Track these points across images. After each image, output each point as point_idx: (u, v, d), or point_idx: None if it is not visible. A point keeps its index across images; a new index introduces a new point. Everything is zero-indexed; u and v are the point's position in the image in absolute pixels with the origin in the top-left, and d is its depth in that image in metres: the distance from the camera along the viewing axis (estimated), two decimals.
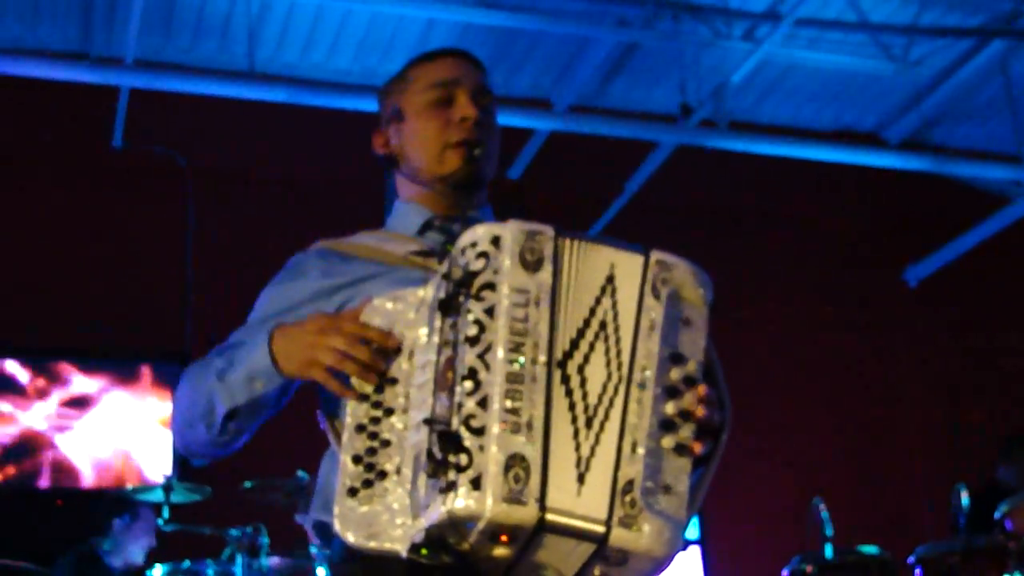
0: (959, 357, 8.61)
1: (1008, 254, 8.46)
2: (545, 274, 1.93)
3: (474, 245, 1.95)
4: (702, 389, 1.98)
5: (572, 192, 7.82)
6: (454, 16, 6.57)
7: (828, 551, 5.78)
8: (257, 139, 7.30)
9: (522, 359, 1.88)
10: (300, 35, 7.10)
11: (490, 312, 1.90)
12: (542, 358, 1.89)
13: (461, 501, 1.80)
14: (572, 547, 1.87)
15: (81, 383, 6.86)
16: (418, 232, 2.27)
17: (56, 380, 6.83)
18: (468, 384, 1.87)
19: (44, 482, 6.68)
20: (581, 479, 1.86)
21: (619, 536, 1.84)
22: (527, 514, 1.81)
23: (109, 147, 7.21)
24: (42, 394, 6.79)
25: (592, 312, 1.96)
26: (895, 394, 8.49)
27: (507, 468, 1.82)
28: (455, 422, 1.86)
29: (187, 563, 5.52)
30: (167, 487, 5.59)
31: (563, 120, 7.28)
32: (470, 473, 1.81)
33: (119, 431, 6.87)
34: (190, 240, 7.17)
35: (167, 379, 6.99)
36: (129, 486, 6.46)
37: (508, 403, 1.86)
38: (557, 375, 1.90)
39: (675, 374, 1.96)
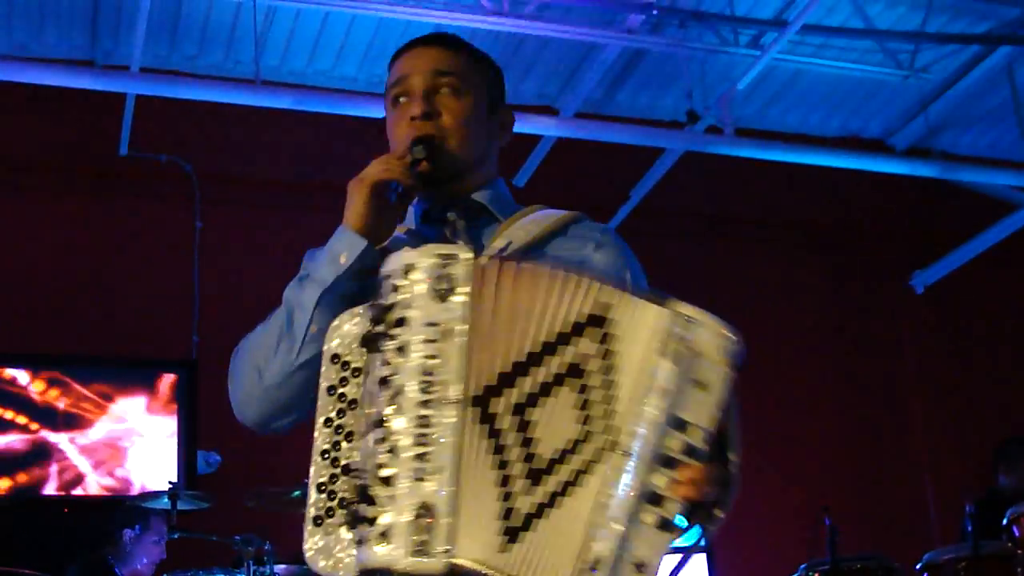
0: (965, 362, 8.60)
1: (1014, 260, 8.46)
2: (458, 303, 1.80)
3: (388, 277, 1.85)
4: (697, 464, 1.80)
5: (578, 199, 7.77)
6: (460, 23, 6.57)
7: (835, 559, 5.77)
8: (263, 146, 7.31)
9: (432, 401, 1.76)
10: (306, 43, 7.10)
11: (401, 351, 1.79)
12: (453, 396, 1.77)
13: (372, 554, 1.74)
14: None
15: (88, 391, 6.86)
16: (419, 222, 2.22)
17: (64, 388, 6.83)
18: (379, 431, 1.78)
19: (52, 490, 6.68)
20: (512, 535, 1.74)
21: None
22: (433, 565, 1.72)
23: (115, 155, 7.22)
24: (49, 402, 6.79)
25: (549, 350, 1.80)
26: (901, 400, 8.47)
27: (415, 518, 1.73)
28: (369, 471, 1.78)
29: (194, 572, 5.52)
30: (173, 495, 5.59)
31: (569, 127, 7.27)
32: (380, 525, 1.74)
33: (126, 439, 6.87)
34: (197, 247, 7.18)
35: (175, 386, 7.00)
36: (135, 494, 6.46)
37: (417, 449, 1.75)
38: (472, 413, 1.77)
39: (673, 442, 1.79)
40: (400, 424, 1.76)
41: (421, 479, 1.74)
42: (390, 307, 1.82)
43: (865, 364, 8.47)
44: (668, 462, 1.77)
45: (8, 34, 6.91)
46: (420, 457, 1.75)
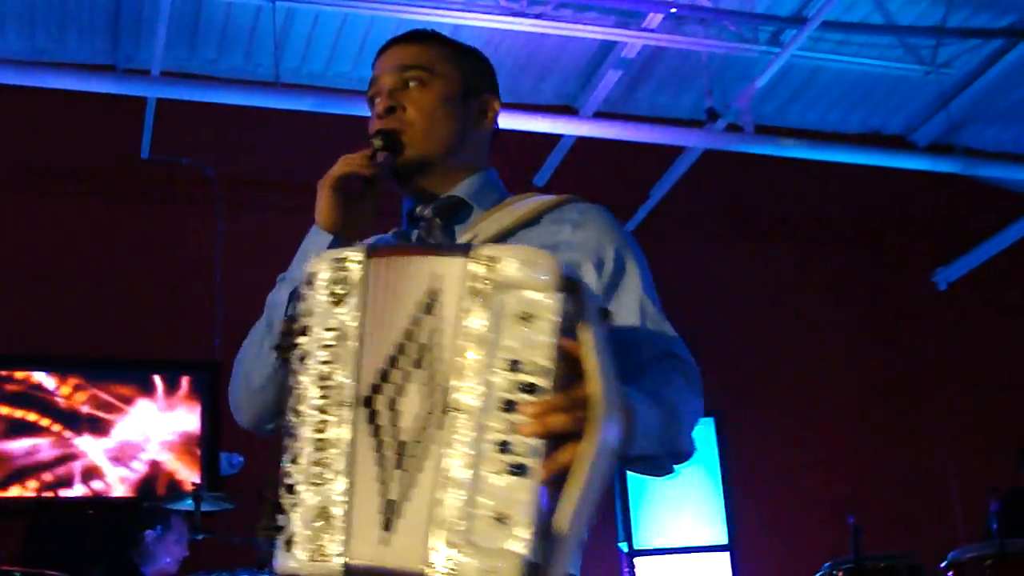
0: (989, 359, 8.56)
1: None
2: (352, 305, 1.80)
3: (297, 288, 1.87)
4: (534, 398, 1.68)
5: (598, 198, 7.79)
6: (479, 23, 6.58)
7: (859, 558, 5.76)
8: (284, 148, 7.32)
9: (330, 404, 1.77)
10: (325, 45, 7.12)
11: (303, 359, 1.80)
12: (348, 399, 1.76)
13: (280, 563, 1.76)
14: None
15: (112, 394, 6.89)
16: (407, 223, 2.23)
17: (87, 391, 6.86)
18: (287, 441, 1.80)
19: (77, 493, 6.71)
20: (388, 526, 1.71)
21: None
22: (332, 569, 1.72)
23: (137, 158, 7.24)
24: (74, 405, 6.82)
25: (409, 336, 1.76)
26: (925, 397, 8.44)
27: (313, 525, 1.74)
28: (281, 481, 1.80)
29: (218, 573, 5.54)
30: (196, 496, 5.61)
31: (589, 126, 7.27)
32: (286, 534, 1.76)
33: (150, 441, 6.90)
34: (219, 250, 7.19)
35: (197, 388, 7.02)
36: (160, 496, 6.49)
37: (316, 455, 1.76)
38: (363, 414, 1.76)
39: (507, 384, 1.69)
40: (303, 432, 1.78)
41: (319, 484, 1.75)
42: (295, 318, 1.83)
43: (888, 361, 8.45)
44: (505, 406, 1.68)
45: (31, 40, 6.94)
46: (318, 463, 1.76)
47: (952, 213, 8.57)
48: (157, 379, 7.01)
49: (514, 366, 1.69)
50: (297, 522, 1.75)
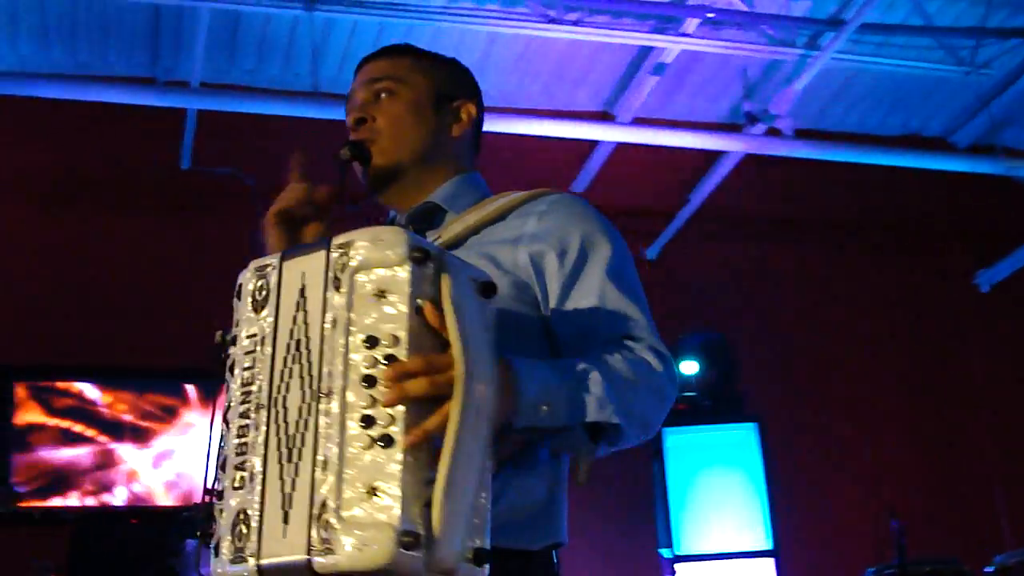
0: None
1: None
2: (269, 310, 1.86)
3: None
4: (390, 370, 1.70)
5: (637, 204, 7.80)
6: (514, 31, 6.59)
7: (903, 562, 5.72)
8: (322, 158, 7.34)
9: (250, 408, 1.82)
10: (363, 54, 7.12)
11: (231, 368, 1.88)
12: (262, 401, 1.81)
13: (212, 568, 1.80)
14: None
15: (154, 403, 6.93)
16: None
17: (130, 401, 6.91)
18: (216, 450, 1.87)
19: (120, 502, 6.75)
20: (286, 518, 1.73)
21: (321, 565, 1.67)
22: (248, 570, 1.74)
23: (177, 169, 7.29)
24: (117, 415, 6.87)
25: (291, 334, 1.82)
26: (968, 400, 8.38)
27: (233, 527, 1.77)
28: (214, 489, 1.86)
29: None
30: None
31: (626, 132, 7.26)
32: (214, 539, 1.81)
33: (191, 450, 6.94)
34: None
35: None
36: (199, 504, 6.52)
37: (238, 459, 1.81)
38: (272, 415, 1.79)
39: (365, 360, 1.72)
40: (229, 439, 1.84)
41: (240, 487, 1.79)
42: (228, 330, 1.91)
43: (931, 364, 8.39)
44: (367, 382, 1.71)
45: (73, 54, 7.00)
46: (239, 467, 1.80)
47: (994, 214, 8.51)
48: (199, 388, 7.04)
49: (371, 342, 1.72)
50: (223, 527, 1.79)
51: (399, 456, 1.67)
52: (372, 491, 1.66)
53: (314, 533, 1.68)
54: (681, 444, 7.23)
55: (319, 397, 1.74)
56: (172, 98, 6.69)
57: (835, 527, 7.65)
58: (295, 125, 6.77)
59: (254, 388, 1.83)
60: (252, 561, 1.74)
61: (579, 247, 2.14)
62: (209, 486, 1.90)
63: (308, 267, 1.83)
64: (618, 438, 1.99)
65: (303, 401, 1.76)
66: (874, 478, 7.87)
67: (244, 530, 1.76)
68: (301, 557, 1.68)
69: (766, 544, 7.12)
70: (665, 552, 7.14)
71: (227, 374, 1.89)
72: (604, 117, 7.60)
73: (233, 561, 1.76)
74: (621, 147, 7.38)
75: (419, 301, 1.74)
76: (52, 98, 6.53)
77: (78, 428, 6.78)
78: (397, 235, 1.76)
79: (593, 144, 7.50)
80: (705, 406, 7.31)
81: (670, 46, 6.77)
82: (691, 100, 7.82)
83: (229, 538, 1.78)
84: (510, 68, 7.32)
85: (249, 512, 1.76)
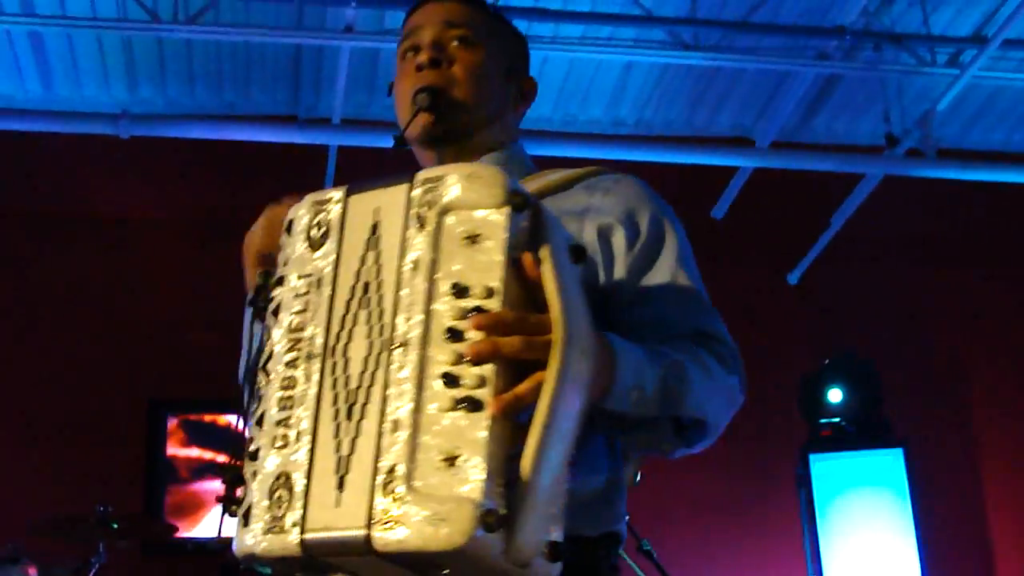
0: None
1: None
2: (329, 248, 1.63)
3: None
4: (477, 320, 1.48)
5: (778, 228, 7.75)
6: (652, 59, 6.60)
7: None
8: None
9: (298, 358, 1.58)
10: None
11: (276, 312, 1.64)
12: (316, 350, 1.57)
13: (237, 542, 1.57)
14: (377, 566, 1.48)
15: None
16: None
17: None
18: (255, 402, 1.62)
19: None
20: (341, 484, 1.49)
21: (383, 541, 1.42)
22: (288, 542, 1.50)
23: None
24: None
25: (357, 276, 1.59)
26: None
27: (271, 493, 1.53)
28: (245, 449, 1.61)
29: None
30: None
31: (766, 157, 7.22)
32: (244, 506, 1.57)
33: None
34: None
35: None
36: None
37: (280, 415, 1.57)
38: (329, 365, 1.56)
39: (451, 311, 1.50)
40: (270, 391, 1.60)
41: (282, 447, 1.55)
42: (270, 272, 1.69)
43: None
44: (452, 335, 1.49)
45: (219, 94, 7.19)
46: (282, 423, 1.56)
47: None
48: None
49: (459, 291, 1.51)
50: (255, 492, 1.56)
51: (486, 423, 1.44)
52: (451, 459, 1.43)
53: (377, 503, 1.44)
54: (827, 470, 7.15)
55: (391, 348, 1.51)
56: (314, 135, 6.82)
57: (985, 555, 7.49)
58: None
59: (305, 335, 1.59)
60: (295, 532, 1.50)
61: (651, 228, 1.96)
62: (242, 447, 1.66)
63: (384, 202, 1.61)
64: (699, 438, 1.84)
65: (369, 352, 1.54)
66: None
67: (284, 495, 1.52)
68: (358, 531, 1.45)
69: (916, 571, 6.99)
70: None
71: (268, 318, 1.65)
72: (743, 142, 7.57)
73: (268, 531, 1.52)
74: (760, 171, 7.34)
75: (515, 252, 1.53)
76: (200, 138, 6.70)
77: (222, 459, 6.92)
78: (495, 175, 1.56)
79: (733, 169, 7.47)
80: (850, 432, 7.23)
81: (808, 69, 6.71)
82: (830, 122, 7.75)
83: (265, 504, 1.53)
84: (647, 95, 7.33)
85: (293, 475, 1.52)
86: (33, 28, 6.32)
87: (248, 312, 1.92)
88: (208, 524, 6.81)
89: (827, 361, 7.30)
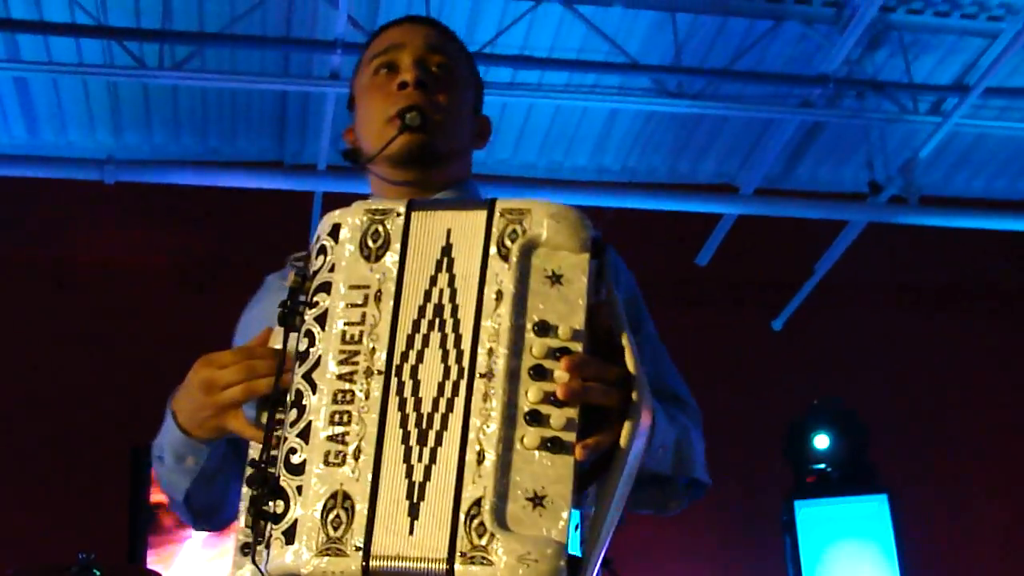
0: None
1: None
2: (390, 262, 1.57)
3: (317, 240, 1.65)
4: (569, 362, 1.48)
5: (763, 275, 7.77)
6: (636, 106, 6.63)
7: None
8: None
9: (355, 372, 1.52)
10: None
11: (321, 320, 1.57)
12: (379, 366, 1.52)
13: (274, 559, 1.48)
14: None
15: None
16: None
17: None
18: (293, 412, 1.54)
19: None
20: (414, 511, 1.45)
21: (468, 574, 1.41)
22: (347, 566, 1.44)
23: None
24: None
25: (427, 296, 1.56)
26: None
27: (326, 511, 1.46)
28: (280, 459, 1.52)
29: None
30: None
31: (750, 204, 7.24)
32: (285, 522, 1.48)
33: None
34: None
35: None
36: None
37: (333, 429, 1.50)
38: (394, 385, 1.52)
39: (538, 348, 1.49)
40: (316, 401, 1.53)
41: (337, 464, 1.49)
42: (315, 273, 1.61)
43: None
44: (537, 373, 1.49)
45: (204, 141, 7.21)
46: (336, 438, 1.50)
47: None
48: None
49: (542, 329, 1.51)
50: (304, 507, 1.48)
51: (571, 465, 1.45)
52: (538, 499, 1.43)
53: (461, 536, 1.42)
54: (812, 516, 7.14)
55: (473, 376, 1.49)
56: (300, 181, 6.83)
57: None
58: None
59: (363, 348, 1.53)
60: (356, 556, 1.44)
61: (633, 288, 1.99)
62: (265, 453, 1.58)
63: (457, 224, 1.58)
64: (695, 498, 1.88)
65: (445, 378, 1.51)
66: (1012, 553, 7.68)
67: (343, 516, 1.45)
68: (438, 563, 1.42)
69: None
70: None
71: (311, 324, 1.58)
72: (727, 189, 7.59)
73: (324, 553, 1.45)
74: (744, 218, 7.36)
75: (591, 297, 1.55)
76: (184, 184, 6.71)
77: None
78: (579, 218, 1.57)
79: (717, 216, 7.49)
80: (834, 478, 7.22)
81: (791, 117, 6.75)
82: (813, 170, 7.79)
83: (316, 523, 1.46)
84: (632, 143, 7.36)
85: (352, 495, 1.46)
86: (18, 73, 6.33)
87: (160, 463, 1.89)
88: (183, 561, 6.76)
89: (814, 402, 7.31)
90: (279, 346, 1.63)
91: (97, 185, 6.37)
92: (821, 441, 7.24)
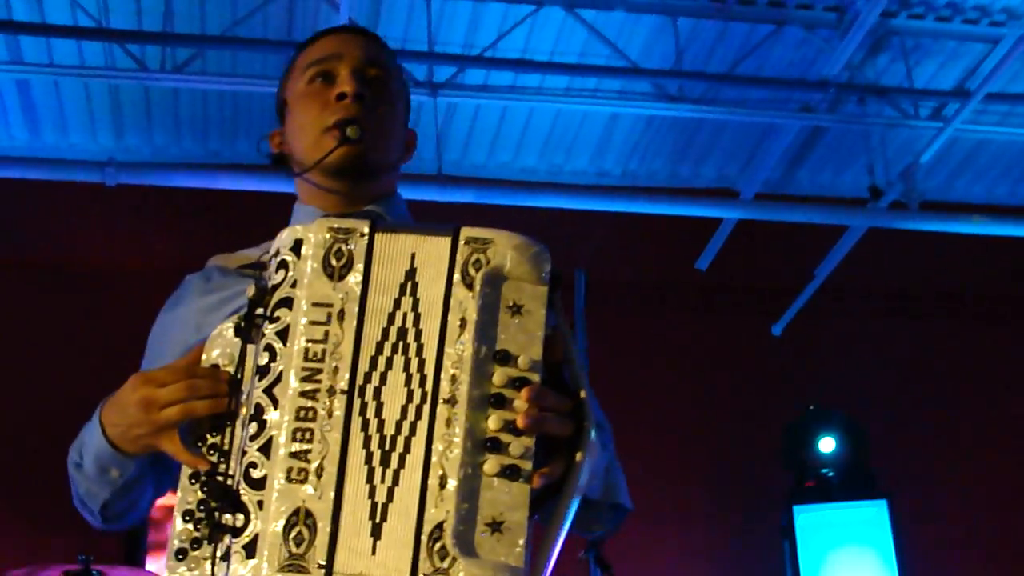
0: None
1: None
2: (353, 282, 1.59)
3: (276, 254, 1.66)
4: (530, 392, 1.53)
5: (763, 279, 7.77)
6: (637, 110, 6.63)
7: None
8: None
9: (318, 390, 1.54)
10: (486, 136, 7.23)
11: (283, 335, 1.58)
12: (341, 385, 1.54)
13: (234, 572, 1.50)
14: None
15: None
16: None
17: None
18: (253, 426, 1.55)
19: None
20: (377, 532, 1.49)
21: None
22: None
23: None
24: None
25: (391, 319, 1.58)
26: None
27: (288, 528, 1.48)
28: (237, 472, 1.54)
29: None
30: None
31: (751, 208, 7.24)
32: (245, 536, 1.50)
33: None
34: None
35: None
36: None
37: (295, 446, 1.51)
38: (357, 405, 1.54)
39: (499, 377, 1.54)
40: (277, 417, 1.54)
41: (300, 481, 1.51)
42: (275, 287, 1.62)
43: None
44: (497, 401, 1.53)
45: (205, 143, 7.21)
46: (298, 455, 1.52)
47: None
48: None
49: (504, 359, 1.56)
50: (265, 523, 1.51)
51: (528, 493, 1.51)
52: (496, 525, 1.48)
53: (423, 558, 1.47)
54: (811, 522, 7.13)
55: (436, 401, 1.53)
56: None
57: None
58: (421, 208, 6.87)
59: (325, 366, 1.55)
60: (319, 573, 1.47)
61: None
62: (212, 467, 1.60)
63: (422, 248, 1.61)
64: (618, 524, 1.89)
65: (409, 400, 1.54)
66: (1009, 557, 7.68)
67: (305, 533, 1.48)
68: None
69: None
70: None
71: (272, 339, 1.59)
72: (728, 194, 7.59)
73: (286, 568, 1.47)
74: (745, 223, 7.36)
75: (547, 329, 1.59)
76: (185, 186, 6.70)
77: None
78: (542, 251, 1.63)
79: (717, 221, 7.49)
80: (833, 483, 7.22)
81: (792, 122, 6.75)
82: (814, 175, 7.79)
83: (277, 539, 1.48)
84: (632, 147, 7.36)
85: (315, 512, 1.49)
86: (20, 75, 6.33)
87: (79, 472, 1.90)
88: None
89: (811, 408, 7.30)
90: (215, 352, 1.65)
91: (98, 187, 6.37)
92: (821, 446, 7.23)
